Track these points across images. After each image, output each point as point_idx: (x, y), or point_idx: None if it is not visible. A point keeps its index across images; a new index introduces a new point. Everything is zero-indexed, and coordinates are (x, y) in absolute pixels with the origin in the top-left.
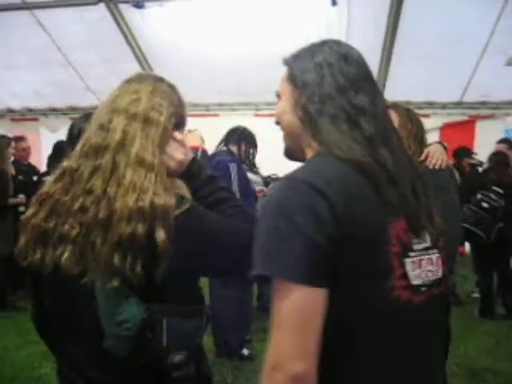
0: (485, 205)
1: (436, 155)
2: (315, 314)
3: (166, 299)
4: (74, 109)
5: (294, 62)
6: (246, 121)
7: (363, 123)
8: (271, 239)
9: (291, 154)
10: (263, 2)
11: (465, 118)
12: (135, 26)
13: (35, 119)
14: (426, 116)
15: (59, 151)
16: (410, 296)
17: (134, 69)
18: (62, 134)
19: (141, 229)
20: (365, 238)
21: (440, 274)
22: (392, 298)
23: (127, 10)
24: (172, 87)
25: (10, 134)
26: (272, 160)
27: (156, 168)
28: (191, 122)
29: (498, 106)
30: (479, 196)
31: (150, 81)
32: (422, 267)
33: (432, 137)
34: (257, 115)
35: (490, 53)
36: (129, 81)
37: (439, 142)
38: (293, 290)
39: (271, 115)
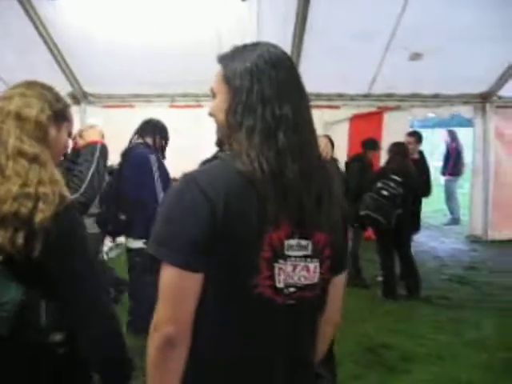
0: (384, 192)
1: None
2: (188, 291)
3: (46, 280)
4: None
5: (228, 62)
6: (162, 112)
7: (280, 135)
8: (163, 227)
9: (221, 145)
10: None
11: (373, 109)
12: (47, 17)
13: None
14: (336, 107)
15: None
16: (272, 295)
17: (46, 60)
18: None
19: (24, 209)
20: (239, 239)
21: (316, 280)
22: (256, 294)
23: (38, 2)
24: (47, 88)
25: None
26: (184, 150)
27: (40, 159)
28: (106, 113)
29: (404, 98)
30: (379, 184)
31: (24, 85)
32: (295, 272)
33: (342, 127)
34: (172, 106)
35: (394, 47)
36: (12, 87)
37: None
38: (172, 271)
39: (186, 106)
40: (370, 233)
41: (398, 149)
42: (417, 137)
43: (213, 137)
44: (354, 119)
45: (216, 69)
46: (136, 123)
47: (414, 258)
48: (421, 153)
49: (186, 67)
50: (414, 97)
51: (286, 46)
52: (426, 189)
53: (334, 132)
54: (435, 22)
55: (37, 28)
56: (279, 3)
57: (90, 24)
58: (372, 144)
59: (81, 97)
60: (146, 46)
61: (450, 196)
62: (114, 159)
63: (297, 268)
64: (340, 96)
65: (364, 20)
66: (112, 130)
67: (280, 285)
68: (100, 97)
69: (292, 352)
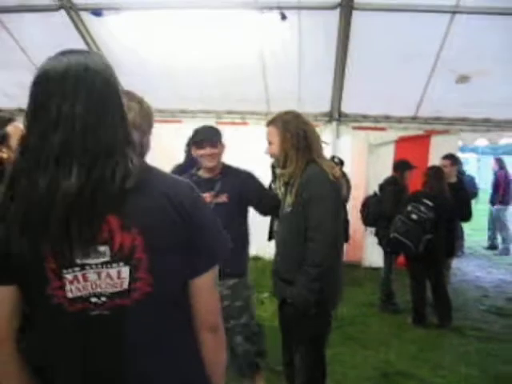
0: (414, 216)
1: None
2: (6, 303)
3: None
4: None
5: None
6: None
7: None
8: None
9: None
10: (217, 16)
11: (420, 132)
12: (96, 32)
13: None
14: (381, 129)
15: None
16: (68, 305)
17: None
18: None
19: None
20: (19, 254)
21: (125, 286)
22: (54, 304)
23: (87, 17)
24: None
25: None
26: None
27: None
28: (155, 128)
29: (452, 121)
30: (409, 208)
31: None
32: (101, 280)
33: (387, 150)
34: (218, 123)
35: (440, 69)
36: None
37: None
38: None
39: (232, 123)
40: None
41: (432, 172)
42: (452, 160)
43: (256, 153)
44: (400, 142)
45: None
46: (184, 137)
47: (446, 286)
48: (459, 177)
49: (233, 85)
50: (463, 121)
51: (330, 67)
52: (464, 214)
53: (379, 154)
54: (480, 44)
55: (87, 44)
56: (320, 24)
57: (135, 41)
58: (403, 165)
59: None
60: (192, 63)
61: (501, 225)
62: None
63: (101, 275)
64: (386, 118)
65: (408, 41)
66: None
67: (71, 295)
68: None
69: (107, 364)
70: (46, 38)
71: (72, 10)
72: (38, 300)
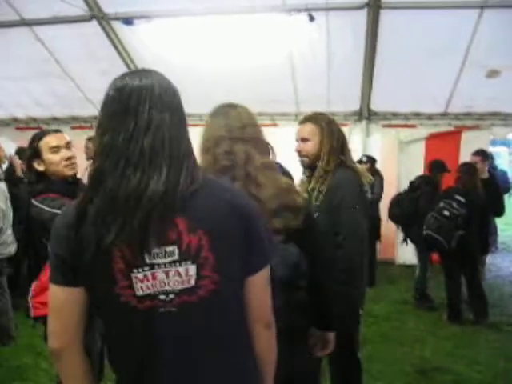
0: (446, 212)
1: None
2: (66, 304)
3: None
4: (74, 118)
5: None
6: None
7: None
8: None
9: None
10: (245, 20)
11: (450, 128)
12: (127, 40)
13: (38, 128)
14: (411, 126)
15: None
16: (136, 303)
17: None
18: None
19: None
20: (89, 255)
21: (192, 283)
22: (122, 302)
23: (118, 26)
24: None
25: (15, 143)
26: None
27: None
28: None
29: (483, 116)
30: (441, 204)
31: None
32: (169, 278)
33: (418, 147)
34: None
35: (469, 65)
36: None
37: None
38: (52, 288)
39: (263, 125)
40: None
41: (464, 169)
42: (483, 155)
43: (287, 154)
44: (431, 138)
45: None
46: None
47: (481, 282)
48: (491, 172)
49: (261, 87)
50: (494, 115)
51: (358, 66)
52: (497, 209)
53: (409, 151)
54: (510, 38)
55: (119, 52)
56: (348, 24)
57: (165, 48)
58: (439, 167)
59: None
60: (220, 68)
61: None
62: None
63: (169, 274)
64: (416, 115)
65: (436, 38)
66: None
67: (141, 293)
68: None
69: (182, 355)
70: (79, 49)
71: (103, 20)
72: (105, 300)
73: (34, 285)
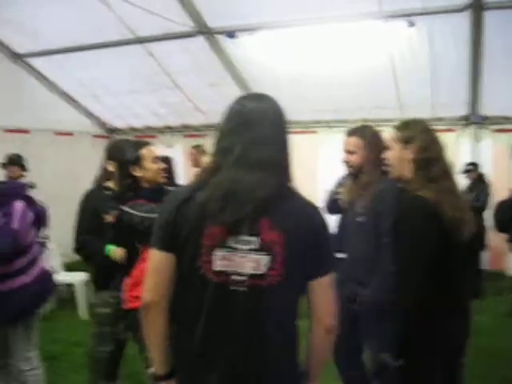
0: None
1: None
2: (162, 266)
3: None
4: (186, 127)
5: None
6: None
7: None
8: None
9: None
10: (344, 28)
11: None
12: (231, 52)
13: (153, 136)
14: None
15: None
16: (212, 276)
17: (234, 91)
18: (177, 150)
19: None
20: (187, 229)
21: (264, 270)
22: (201, 274)
23: (222, 40)
24: None
25: None
26: None
27: None
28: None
29: None
30: None
31: None
32: (244, 262)
33: None
34: None
35: None
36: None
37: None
38: (152, 252)
39: None
40: None
41: None
42: None
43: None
44: None
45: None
46: (319, 148)
47: None
48: None
49: (364, 94)
50: None
51: (463, 69)
52: None
53: None
54: None
55: (224, 64)
56: (449, 27)
57: (268, 58)
58: None
59: None
60: (322, 76)
61: None
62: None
63: (245, 259)
64: None
65: None
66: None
67: (217, 268)
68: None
69: (252, 330)
70: (187, 62)
71: (209, 34)
72: (188, 269)
73: (127, 280)
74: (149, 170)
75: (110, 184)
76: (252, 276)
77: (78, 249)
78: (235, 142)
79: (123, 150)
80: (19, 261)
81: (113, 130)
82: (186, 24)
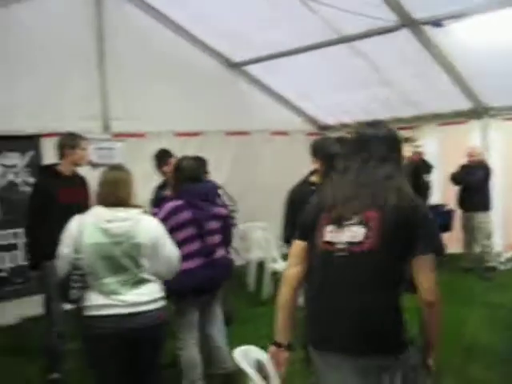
0: None
1: None
2: (299, 250)
3: None
4: (397, 120)
5: None
6: None
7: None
8: None
9: None
10: None
11: None
12: (439, 42)
13: None
14: None
15: None
16: (323, 245)
17: (445, 80)
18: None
19: None
20: (309, 217)
21: (360, 238)
22: (319, 246)
23: (428, 30)
24: None
25: None
26: None
27: None
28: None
29: None
30: None
31: None
32: (342, 233)
33: None
34: None
35: None
36: None
37: None
38: (294, 242)
39: None
40: None
41: None
42: None
43: None
44: None
45: None
46: None
47: None
48: None
49: None
50: None
51: None
52: None
53: None
54: None
55: (432, 55)
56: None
57: (481, 45)
58: None
59: (482, 112)
60: None
61: None
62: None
63: (347, 230)
64: None
65: None
66: None
67: (327, 239)
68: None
69: (357, 294)
70: (394, 56)
71: (414, 26)
72: (313, 246)
73: None
74: None
75: (315, 179)
76: (351, 244)
77: (287, 239)
78: (354, 160)
79: (326, 147)
80: None
81: (325, 128)
82: (389, 18)
